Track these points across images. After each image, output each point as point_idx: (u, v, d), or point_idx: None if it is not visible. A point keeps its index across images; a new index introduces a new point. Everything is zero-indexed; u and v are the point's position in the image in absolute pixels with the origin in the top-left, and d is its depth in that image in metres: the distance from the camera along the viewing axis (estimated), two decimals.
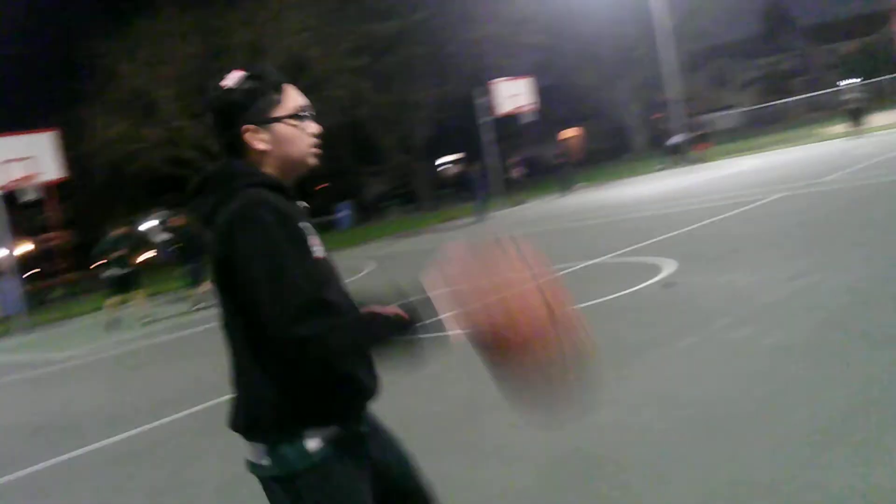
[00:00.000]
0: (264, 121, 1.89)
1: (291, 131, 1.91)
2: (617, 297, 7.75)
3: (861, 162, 16.38)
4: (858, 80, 34.32)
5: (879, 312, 5.42)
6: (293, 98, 1.93)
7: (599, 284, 8.47)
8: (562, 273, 9.41)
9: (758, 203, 13.08)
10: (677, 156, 29.96)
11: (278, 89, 1.91)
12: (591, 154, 50.40)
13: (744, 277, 7.50)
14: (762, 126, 47.36)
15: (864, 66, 66.21)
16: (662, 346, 5.76)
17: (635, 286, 8.04)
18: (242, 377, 1.85)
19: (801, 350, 4.98)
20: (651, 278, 8.27)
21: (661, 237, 11.25)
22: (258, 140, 1.88)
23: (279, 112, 1.90)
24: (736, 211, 12.63)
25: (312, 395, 1.80)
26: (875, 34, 76.34)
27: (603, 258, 10.46)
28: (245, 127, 1.87)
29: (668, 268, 8.64)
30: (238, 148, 1.90)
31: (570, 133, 57.10)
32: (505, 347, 1.77)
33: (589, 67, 45.71)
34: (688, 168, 27.68)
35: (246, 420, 1.84)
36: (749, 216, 11.83)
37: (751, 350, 5.19)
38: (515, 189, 33.48)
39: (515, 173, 38.43)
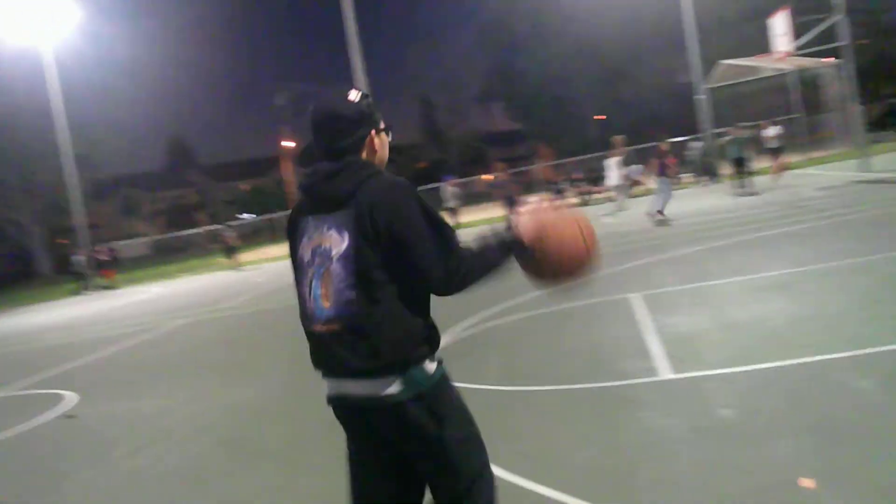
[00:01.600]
0: (378, 129, 2.45)
1: (386, 140, 2.50)
2: (13, 433, 7.13)
3: (253, 291, 17.87)
4: (251, 215, 37.64)
5: (269, 427, 5.97)
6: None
7: None
8: None
9: (162, 330, 13.32)
10: (82, 282, 28.95)
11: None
12: None
13: (146, 404, 7.55)
14: (168, 255, 48.52)
15: (258, 203, 72.64)
16: (65, 481, 5.47)
17: (33, 420, 7.49)
18: (377, 323, 2.24)
19: (195, 472, 5.20)
20: (51, 411, 7.80)
21: (63, 367, 10.69)
22: (377, 142, 2.45)
23: (382, 125, 2.47)
24: (141, 338, 12.66)
25: (428, 332, 2.35)
26: (266, 176, 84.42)
27: None
28: (372, 131, 2.42)
29: (70, 399, 8.25)
30: (355, 148, 2.38)
31: None
32: (553, 260, 2.49)
33: None
34: (95, 294, 26.89)
35: (380, 353, 2.24)
36: (153, 342, 11.96)
37: (147, 477, 5.24)
38: None
39: None
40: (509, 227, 2.43)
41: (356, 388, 2.32)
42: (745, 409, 4.38)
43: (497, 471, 4.12)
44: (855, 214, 11.77)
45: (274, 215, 42.35)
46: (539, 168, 42.62)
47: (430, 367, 2.35)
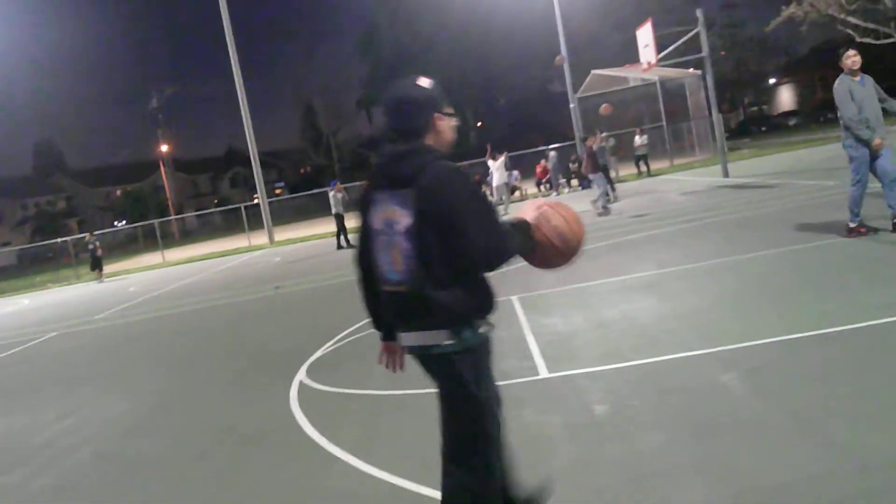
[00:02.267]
0: (446, 113, 2.75)
1: (451, 124, 2.79)
2: None
3: (125, 301, 17.21)
4: (123, 223, 36.29)
5: (146, 440, 5.78)
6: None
7: None
8: None
9: (32, 342, 12.67)
10: None
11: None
12: None
13: (17, 420, 7.17)
14: (36, 265, 46.02)
15: (133, 209, 69.90)
16: None
17: None
18: (430, 280, 2.59)
19: (71, 488, 4.99)
20: None
21: None
22: (444, 125, 2.76)
23: (447, 110, 2.76)
24: (10, 351, 12.01)
25: (479, 298, 2.73)
26: (142, 181, 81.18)
27: None
28: (437, 115, 2.72)
29: None
30: (423, 130, 2.71)
31: None
32: (553, 246, 2.92)
33: None
34: None
35: (435, 312, 2.61)
36: (24, 356, 11.36)
37: (22, 494, 4.99)
38: None
39: None
40: (519, 220, 2.88)
41: (415, 339, 2.73)
42: (617, 405, 4.57)
43: (380, 473, 4.17)
44: (717, 217, 12.42)
45: (150, 222, 40.89)
46: None
47: (479, 328, 2.74)
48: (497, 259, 2.61)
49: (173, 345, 10.25)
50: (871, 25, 32.11)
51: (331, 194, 21.47)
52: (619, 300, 7.53)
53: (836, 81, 8.19)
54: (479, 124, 63.46)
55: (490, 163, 22.95)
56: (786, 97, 72.57)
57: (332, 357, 7.33)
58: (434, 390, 2.85)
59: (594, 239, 12.36)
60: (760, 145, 36.93)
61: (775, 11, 34.61)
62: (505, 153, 23.75)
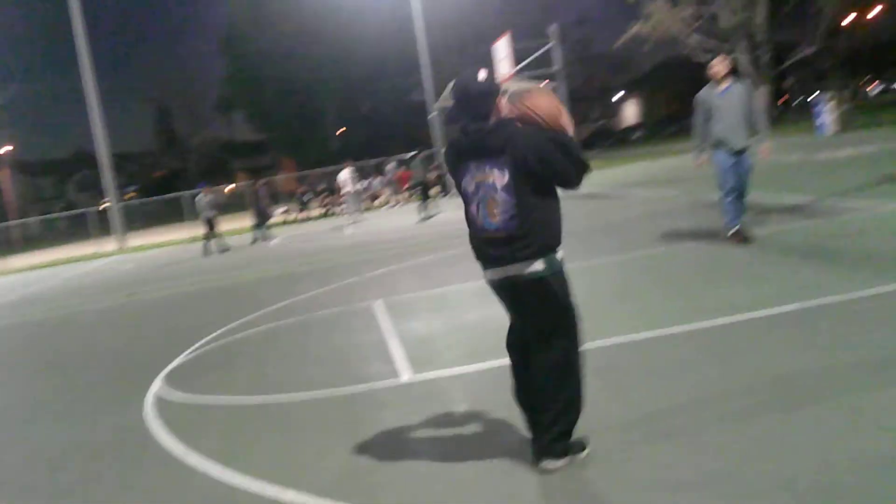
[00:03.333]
0: (501, 95, 3.42)
1: (506, 101, 3.43)
2: None
3: None
4: None
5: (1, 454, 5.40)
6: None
7: None
8: None
9: None
10: None
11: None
12: None
13: None
14: None
15: None
16: None
17: None
18: (528, 222, 3.32)
19: None
20: None
21: None
22: (503, 103, 3.40)
23: (502, 90, 3.44)
24: None
25: (558, 230, 3.44)
26: None
27: None
28: (499, 99, 3.40)
29: None
30: (491, 110, 3.38)
31: None
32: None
33: None
34: None
35: (532, 246, 3.34)
36: None
37: None
38: None
39: None
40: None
41: (515, 269, 3.40)
42: (478, 405, 4.67)
43: (246, 481, 4.08)
44: (568, 225, 12.90)
45: None
46: (283, 179, 42.20)
47: (560, 255, 3.48)
48: (583, 180, 3.41)
49: (19, 357, 9.63)
50: (709, 44, 34.24)
51: (198, 198, 20.65)
52: (477, 302, 7.67)
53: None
54: (340, 131, 63.06)
55: (343, 174, 22.90)
56: (630, 112, 76.21)
57: (191, 366, 7.09)
58: None
59: (456, 245, 12.56)
60: (607, 157, 38.64)
61: (623, 29, 36.36)
62: (351, 162, 23.82)
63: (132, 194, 69.98)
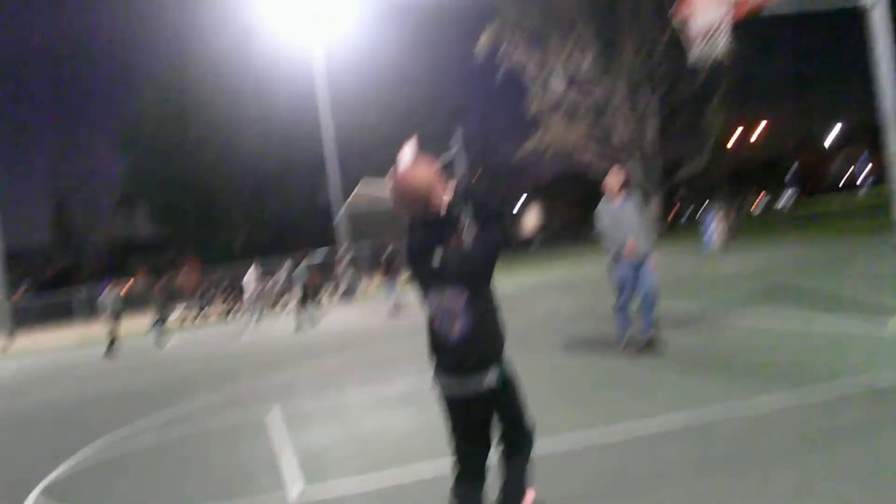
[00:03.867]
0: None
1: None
2: None
3: None
4: None
5: None
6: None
7: None
8: None
9: None
10: None
11: None
12: None
13: None
14: None
15: None
16: None
17: None
18: (482, 332, 3.47)
19: None
20: None
21: None
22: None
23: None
24: None
25: (503, 329, 3.59)
26: None
27: None
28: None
29: None
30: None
31: None
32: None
33: None
34: None
35: (488, 357, 3.50)
36: None
37: None
38: None
39: None
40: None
41: (474, 383, 3.51)
42: None
43: None
44: None
45: None
46: (184, 277, 41.25)
47: (505, 363, 3.61)
48: (505, 223, 3.79)
49: None
50: (604, 157, 35.91)
51: (103, 295, 19.79)
52: (377, 411, 7.56)
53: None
54: (246, 229, 62.48)
55: (248, 275, 22.53)
56: (531, 219, 78.44)
57: (69, 480, 6.66)
58: None
59: (355, 351, 12.43)
60: (508, 263, 39.42)
61: (525, 140, 37.83)
62: (258, 261, 23.50)
63: (23, 291, 66.76)
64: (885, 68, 8.09)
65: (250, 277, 22.25)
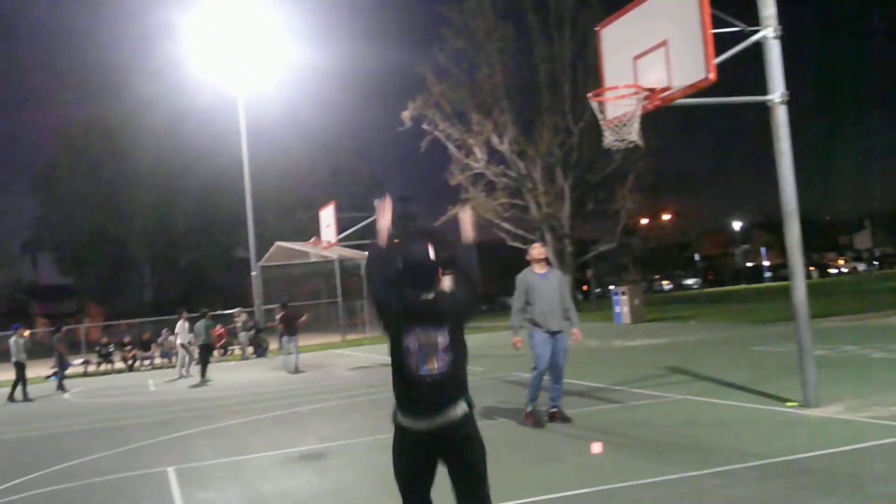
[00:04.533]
0: (446, 271, 4.06)
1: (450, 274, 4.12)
2: None
3: None
4: None
5: None
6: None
7: None
8: None
9: None
10: None
11: None
12: None
13: None
14: None
15: None
16: None
17: None
18: (458, 371, 3.79)
19: None
20: None
21: None
22: (444, 278, 3.97)
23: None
24: None
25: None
26: None
27: None
28: (440, 273, 3.97)
29: None
30: (432, 284, 3.91)
31: None
32: None
33: None
34: None
35: (459, 386, 3.78)
36: None
37: None
38: None
39: None
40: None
41: (445, 417, 3.76)
42: None
43: None
44: (380, 393, 12.83)
45: None
46: (87, 327, 39.62)
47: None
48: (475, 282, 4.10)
49: None
50: (520, 231, 36.58)
51: (12, 340, 18.66)
52: (278, 473, 7.37)
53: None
54: (157, 282, 60.71)
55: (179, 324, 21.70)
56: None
57: None
58: None
59: (258, 410, 12.12)
60: None
61: (444, 208, 38.27)
62: (184, 313, 22.71)
63: None
64: (785, 163, 8.59)
65: (180, 328, 21.23)
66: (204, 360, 18.94)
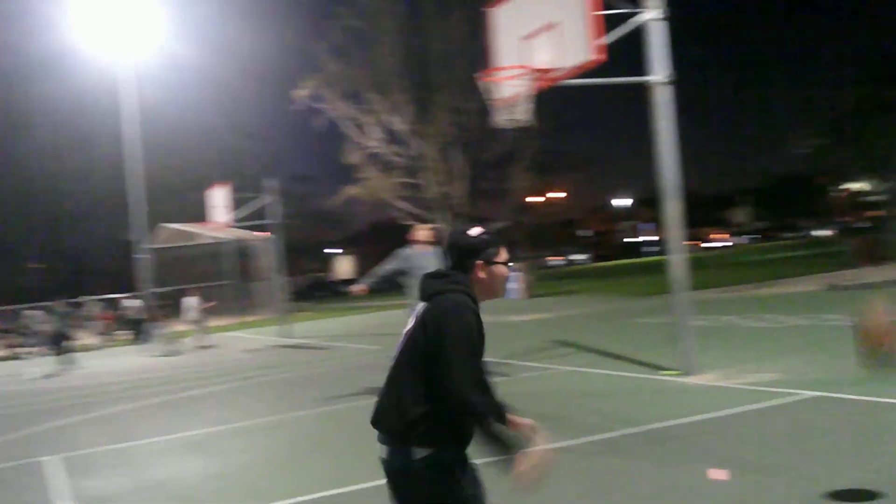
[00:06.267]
0: (489, 262, 3.01)
1: (495, 273, 3.03)
2: None
3: None
4: None
5: None
6: (504, 254, 3.05)
7: None
8: None
9: None
10: None
11: (499, 246, 3.03)
12: None
13: None
14: None
15: None
16: None
17: None
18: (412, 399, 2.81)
19: None
20: None
21: None
22: (482, 272, 2.99)
23: (497, 259, 3.02)
24: None
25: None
26: None
27: None
28: (478, 262, 2.98)
29: None
30: (466, 271, 2.97)
31: None
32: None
33: None
34: None
35: (415, 430, 2.80)
36: None
37: None
38: None
39: None
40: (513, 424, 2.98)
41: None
42: None
43: None
44: (272, 376, 12.68)
45: None
46: None
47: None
48: (460, 406, 2.69)
49: None
50: (416, 210, 36.66)
51: None
52: (167, 459, 7.18)
53: None
54: (38, 266, 57.79)
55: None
56: (346, 265, 78.48)
57: None
58: None
59: (149, 395, 11.77)
60: (321, 308, 39.05)
61: (341, 188, 38.00)
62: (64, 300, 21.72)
63: None
64: (665, 142, 8.92)
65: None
66: (58, 349, 18.19)
